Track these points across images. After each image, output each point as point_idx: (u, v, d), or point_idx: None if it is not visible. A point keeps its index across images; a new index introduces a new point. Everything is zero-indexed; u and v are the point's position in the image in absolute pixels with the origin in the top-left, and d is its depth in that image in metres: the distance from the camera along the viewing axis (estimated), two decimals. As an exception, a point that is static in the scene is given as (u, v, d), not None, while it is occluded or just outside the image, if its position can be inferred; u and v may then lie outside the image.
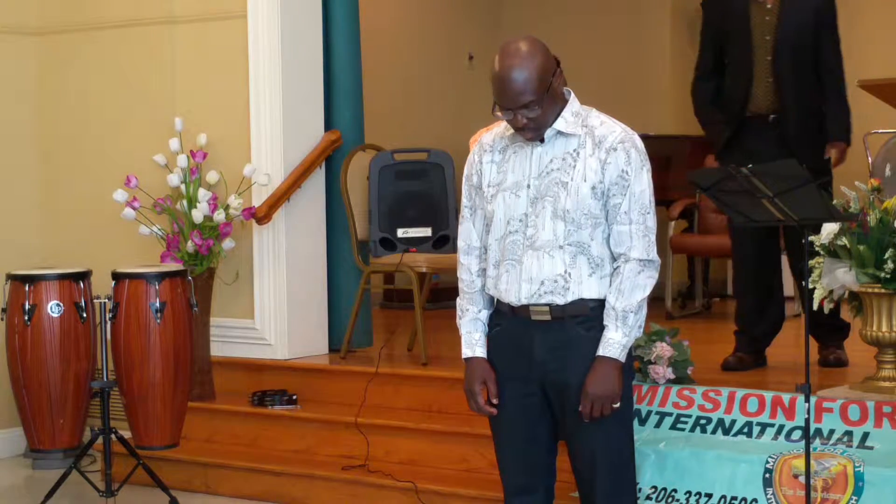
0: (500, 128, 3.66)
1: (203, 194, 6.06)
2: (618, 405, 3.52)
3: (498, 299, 3.63)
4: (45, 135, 6.92)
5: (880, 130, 6.16)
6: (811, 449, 4.17)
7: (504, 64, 3.45)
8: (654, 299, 5.94)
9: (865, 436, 4.42)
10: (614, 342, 3.50)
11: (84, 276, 5.33)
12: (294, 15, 6.33)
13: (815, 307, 4.80)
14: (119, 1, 6.71)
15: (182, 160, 6.18)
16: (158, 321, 5.23)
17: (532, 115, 3.47)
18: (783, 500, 4.40)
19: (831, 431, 4.48)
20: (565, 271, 3.51)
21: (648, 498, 4.58)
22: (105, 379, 5.30)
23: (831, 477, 4.32)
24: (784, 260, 5.84)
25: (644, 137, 3.67)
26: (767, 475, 4.45)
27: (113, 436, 5.31)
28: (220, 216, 6.07)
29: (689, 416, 4.74)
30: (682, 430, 4.71)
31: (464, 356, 3.67)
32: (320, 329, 6.51)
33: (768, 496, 4.41)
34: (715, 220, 7.87)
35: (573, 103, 3.57)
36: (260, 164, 6.25)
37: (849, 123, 5.59)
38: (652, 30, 9.37)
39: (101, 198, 6.39)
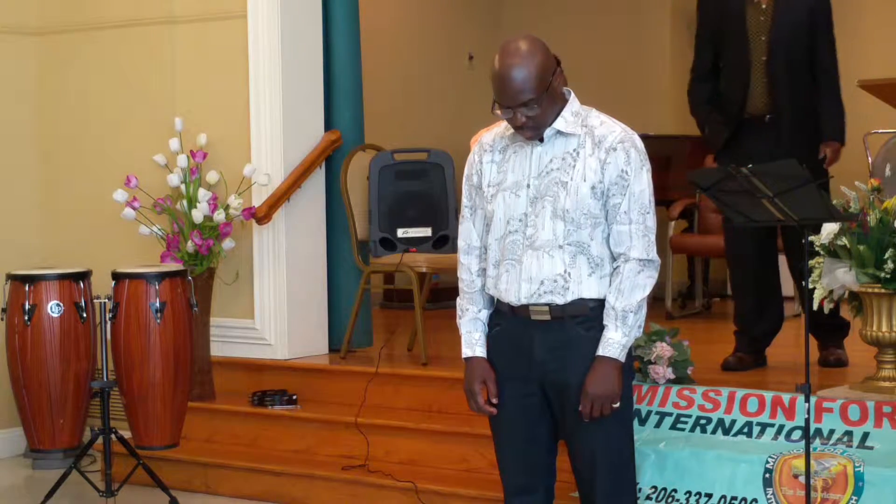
0: (501, 128, 3.66)
1: (203, 194, 6.06)
2: (617, 405, 3.52)
3: (498, 299, 3.63)
4: (45, 135, 6.92)
5: (880, 130, 6.16)
6: (811, 449, 4.17)
7: (504, 62, 3.45)
8: (654, 299, 5.96)
9: (865, 436, 4.42)
10: (614, 342, 3.50)
11: (84, 276, 5.34)
12: (294, 15, 6.33)
13: (815, 307, 4.80)
14: (119, 1, 6.71)
15: (182, 160, 6.18)
16: (158, 321, 5.23)
17: (531, 114, 3.47)
18: (783, 500, 4.40)
19: (831, 431, 4.48)
20: (565, 271, 3.51)
21: (648, 498, 4.58)
22: (105, 379, 5.30)
23: (831, 477, 4.32)
24: (782, 260, 5.84)
25: (644, 137, 3.67)
26: (767, 475, 4.45)
27: (113, 436, 5.31)
28: (220, 216, 6.07)
29: (689, 416, 4.74)
30: (682, 430, 4.71)
31: (464, 356, 3.67)
32: (320, 329, 6.51)
33: (768, 496, 4.41)
34: (715, 220, 7.86)
35: (573, 103, 3.58)
36: (260, 164, 6.25)
37: (843, 123, 5.60)
38: (652, 30, 9.37)
39: (101, 198, 6.39)
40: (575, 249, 3.51)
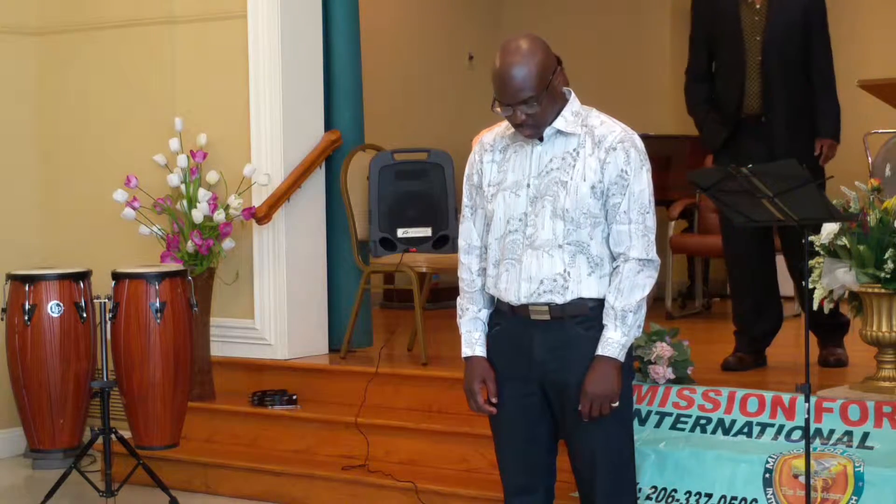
0: (501, 127, 3.67)
1: (203, 194, 6.06)
2: (616, 404, 3.52)
3: (498, 299, 3.63)
4: (45, 135, 6.92)
5: (880, 130, 6.16)
6: (811, 449, 4.17)
7: (504, 60, 3.46)
8: (654, 299, 5.96)
9: (865, 436, 4.42)
10: (613, 341, 3.50)
11: (84, 276, 5.34)
12: (294, 15, 6.33)
13: (815, 307, 4.80)
14: (119, 1, 6.71)
15: (182, 160, 6.18)
16: (158, 321, 5.23)
17: (531, 112, 3.47)
18: (783, 500, 4.40)
19: (831, 431, 4.48)
20: (564, 270, 3.51)
21: (648, 498, 4.58)
22: (105, 379, 5.30)
23: (831, 477, 4.32)
24: (780, 260, 5.84)
25: (644, 137, 3.67)
26: (767, 475, 4.45)
27: (113, 436, 5.31)
28: (220, 216, 6.07)
29: (689, 416, 4.74)
30: (682, 430, 4.71)
31: (463, 355, 3.67)
32: (320, 329, 6.51)
33: (768, 496, 4.41)
34: (715, 220, 7.85)
35: (573, 103, 3.58)
36: (260, 164, 6.25)
37: (838, 121, 5.59)
38: (652, 30, 9.37)
39: (101, 198, 6.39)
40: (574, 249, 3.51)
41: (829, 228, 4.68)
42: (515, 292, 3.55)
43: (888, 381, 4.77)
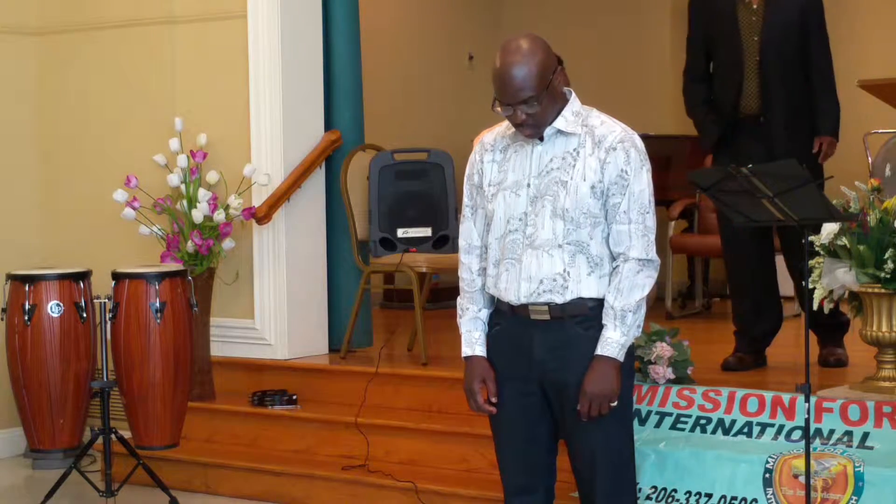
0: (502, 127, 3.67)
1: (203, 194, 6.06)
2: (615, 404, 3.52)
3: (498, 298, 3.63)
4: (45, 135, 6.92)
5: (880, 130, 6.16)
6: (811, 449, 4.17)
7: (505, 60, 3.46)
8: (655, 299, 5.95)
9: (865, 436, 4.42)
10: (613, 341, 3.50)
11: (84, 276, 5.34)
12: (294, 15, 6.33)
13: (815, 307, 4.80)
14: (119, 1, 6.71)
15: (182, 160, 6.18)
16: (158, 321, 5.23)
17: (531, 111, 3.47)
18: (783, 500, 4.40)
19: (831, 431, 4.48)
20: (564, 270, 3.51)
21: (648, 498, 4.58)
22: (105, 379, 5.30)
23: (831, 477, 4.32)
24: (780, 260, 5.84)
25: (644, 137, 3.67)
26: (767, 475, 4.45)
27: (113, 436, 5.31)
28: (220, 216, 6.07)
29: (689, 416, 4.74)
30: (682, 430, 4.71)
31: (463, 355, 3.68)
32: (320, 329, 6.51)
33: (768, 496, 4.41)
34: (715, 220, 7.86)
35: (574, 103, 3.58)
36: (260, 164, 6.25)
37: (837, 119, 5.58)
38: (652, 30, 9.37)
39: (101, 198, 6.39)
40: (574, 249, 3.51)
41: (829, 228, 4.68)
42: (515, 292, 3.55)
43: (888, 381, 4.77)
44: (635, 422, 4.42)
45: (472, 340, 3.67)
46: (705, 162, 7.60)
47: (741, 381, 5.17)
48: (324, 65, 6.48)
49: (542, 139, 3.55)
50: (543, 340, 3.55)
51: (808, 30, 5.55)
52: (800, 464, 4.35)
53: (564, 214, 3.50)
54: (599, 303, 3.53)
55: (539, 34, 3.56)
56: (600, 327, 3.52)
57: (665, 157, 8.12)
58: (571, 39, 8.56)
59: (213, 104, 6.43)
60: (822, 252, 4.75)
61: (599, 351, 3.51)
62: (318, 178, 6.45)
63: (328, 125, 6.50)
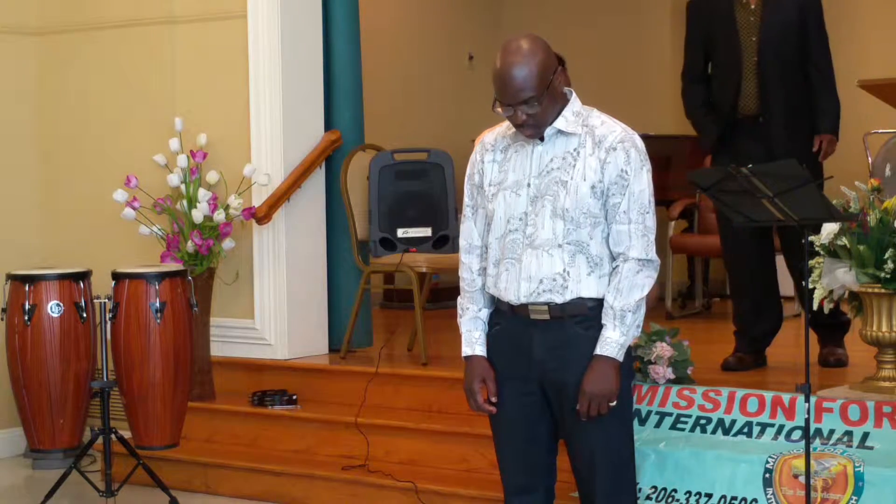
0: (503, 127, 3.67)
1: (203, 194, 6.06)
2: (614, 403, 3.52)
3: (498, 298, 3.63)
4: (45, 135, 6.92)
5: (880, 130, 6.16)
6: (811, 449, 4.17)
7: (505, 60, 3.46)
8: (656, 299, 5.95)
9: (865, 436, 4.42)
10: (612, 341, 3.50)
11: (84, 276, 5.34)
12: (294, 15, 6.33)
13: (815, 307, 4.80)
14: (119, 1, 6.71)
15: (182, 160, 6.18)
16: (158, 321, 5.23)
17: (531, 112, 3.48)
18: (783, 500, 4.40)
19: (831, 431, 4.48)
20: (564, 270, 3.51)
21: (648, 498, 4.58)
22: (105, 379, 5.30)
23: (831, 477, 4.32)
24: (780, 259, 5.84)
25: (644, 137, 3.67)
26: (767, 475, 4.45)
27: (113, 436, 5.31)
28: (220, 216, 6.07)
29: (689, 416, 4.74)
30: (682, 430, 4.71)
31: (463, 355, 3.68)
32: (320, 329, 6.51)
33: (768, 496, 4.41)
34: (715, 220, 7.85)
35: (574, 103, 3.58)
36: (260, 164, 6.26)
37: (837, 117, 5.58)
38: (652, 30, 9.37)
39: (101, 198, 6.39)
40: (574, 248, 3.51)
41: (829, 228, 4.68)
42: (515, 292, 3.55)
43: (888, 381, 4.77)
44: (635, 422, 4.42)
45: (473, 340, 3.67)
46: (705, 162, 7.59)
47: (741, 381, 5.17)
48: (324, 65, 6.48)
49: (542, 139, 3.55)
50: (543, 340, 3.55)
51: (806, 29, 5.55)
52: (800, 464, 4.35)
53: (564, 214, 3.50)
54: (599, 303, 3.53)
55: (539, 34, 3.56)
56: (600, 327, 3.52)
57: (665, 157, 8.12)
58: (571, 39, 8.55)
59: (213, 104, 6.43)
60: (822, 252, 4.75)
61: (599, 351, 3.51)
62: (318, 178, 6.45)
63: (328, 125, 6.50)
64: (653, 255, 3.55)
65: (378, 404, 5.83)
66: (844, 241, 4.65)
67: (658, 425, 4.75)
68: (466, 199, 3.71)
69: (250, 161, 6.26)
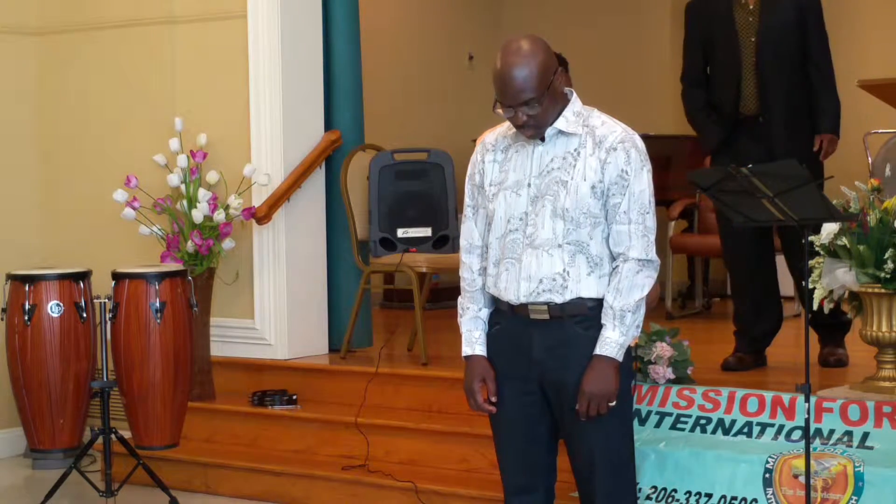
0: (503, 127, 3.67)
1: (203, 194, 6.06)
2: (613, 404, 3.52)
3: (498, 298, 3.63)
4: (45, 135, 6.92)
5: (880, 130, 6.17)
6: (811, 449, 4.17)
7: (505, 61, 3.46)
8: (658, 299, 5.94)
9: (865, 436, 4.42)
10: (611, 341, 3.50)
11: (84, 276, 5.34)
12: (294, 15, 6.33)
13: (815, 307, 4.80)
14: (119, 1, 6.71)
15: (182, 160, 6.18)
16: (158, 321, 5.23)
17: (532, 113, 3.48)
18: (783, 500, 4.40)
19: (831, 431, 4.48)
20: (564, 270, 3.51)
21: (648, 498, 4.58)
22: (105, 379, 5.30)
23: (831, 477, 4.32)
24: (780, 259, 5.84)
25: (644, 137, 3.67)
26: (767, 475, 4.45)
27: (113, 436, 5.31)
28: (220, 216, 6.07)
29: (689, 416, 4.74)
30: (682, 430, 4.71)
31: (463, 354, 3.68)
32: (320, 329, 6.51)
33: (768, 496, 4.42)
34: (715, 220, 7.85)
35: (575, 103, 3.58)
36: (260, 164, 6.26)
37: (838, 116, 5.57)
38: (652, 30, 9.37)
39: (101, 198, 6.39)
40: (574, 248, 3.51)
41: (829, 228, 4.68)
42: (515, 291, 3.55)
43: (888, 381, 4.77)
44: (635, 422, 4.42)
45: (473, 340, 3.67)
46: (705, 162, 7.59)
47: (741, 381, 5.17)
48: (324, 65, 6.48)
49: (543, 139, 3.55)
50: (542, 340, 3.55)
51: (805, 28, 5.55)
52: (800, 464, 4.35)
53: (564, 214, 3.50)
54: (599, 303, 3.53)
55: (539, 34, 3.56)
56: (599, 327, 3.52)
57: (665, 157, 8.12)
58: (571, 39, 8.56)
59: (213, 104, 6.43)
60: (822, 252, 4.75)
61: (598, 351, 3.51)
62: (318, 178, 6.45)
63: (328, 125, 6.50)
64: (653, 255, 3.55)
65: (378, 404, 5.83)
66: (844, 241, 4.65)
67: (658, 425, 4.75)
68: (467, 199, 3.72)
69: (250, 161, 6.26)
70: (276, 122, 6.28)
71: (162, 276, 5.29)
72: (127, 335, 5.24)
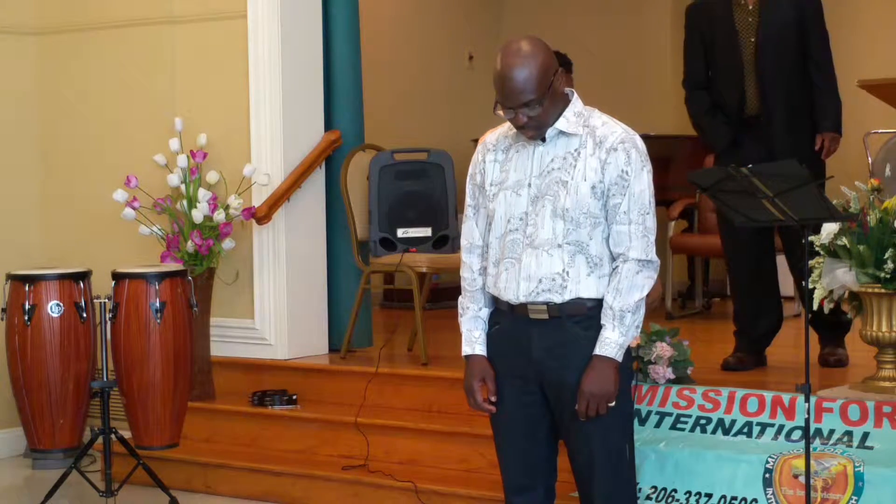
0: (504, 127, 3.67)
1: (203, 194, 6.06)
2: (613, 404, 3.52)
3: (497, 298, 3.63)
4: (45, 135, 6.92)
5: (880, 130, 6.17)
6: (811, 449, 4.17)
7: (506, 63, 3.46)
8: (659, 300, 5.94)
9: (865, 436, 4.42)
10: (611, 341, 3.50)
11: (84, 276, 5.34)
12: (294, 15, 6.32)
13: (815, 307, 4.80)
14: (119, 1, 6.71)
15: (182, 160, 6.18)
16: (158, 321, 5.23)
17: (533, 114, 3.48)
18: (783, 500, 4.40)
19: (831, 431, 4.48)
20: (563, 270, 3.52)
21: (648, 498, 4.59)
22: (105, 379, 5.30)
23: (831, 477, 4.32)
24: (780, 259, 5.84)
25: (644, 137, 3.67)
26: (767, 475, 4.45)
27: (113, 436, 5.31)
28: (220, 216, 6.07)
29: (689, 416, 4.74)
30: (682, 430, 4.71)
31: (463, 354, 3.68)
32: (320, 329, 6.51)
33: (768, 496, 4.42)
34: (715, 221, 7.85)
35: (576, 103, 3.58)
36: (260, 164, 6.25)
37: (839, 114, 5.57)
38: (652, 30, 9.37)
39: (101, 198, 6.39)
40: (574, 249, 3.52)
41: (829, 228, 4.68)
42: (514, 291, 3.55)
43: (888, 381, 4.77)
44: (635, 422, 4.41)
45: (473, 339, 3.67)
46: (705, 162, 7.61)
47: (741, 381, 5.17)
48: (324, 65, 6.48)
49: (544, 140, 3.55)
50: (542, 340, 3.56)
51: (806, 28, 5.54)
52: (800, 464, 4.35)
53: (565, 214, 3.50)
54: (598, 303, 3.54)
55: (539, 34, 3.56)
56: (599, 327, 3.52)
57: (665, 157, 8.11)
58: (571, 39, 8.56)
59: (213, 104, 6.43)
60: (822, 252, 4.75)
61: (598, 351, 3.51)
62: (317, 178, 6.45)
63: (328, 125, 6.50)
64: (653, 255, 3.55)
65: (378, 404, 5.83)
66: (844, 241, 4.65)
67: (658, 425, 4.75)
68: (468, 199, 3.72)
69: (250, 161, 6.26)
70: (276, 122, 6.28)
71: (162, 276, 5.29)
72: (127, 335, 5.24)
